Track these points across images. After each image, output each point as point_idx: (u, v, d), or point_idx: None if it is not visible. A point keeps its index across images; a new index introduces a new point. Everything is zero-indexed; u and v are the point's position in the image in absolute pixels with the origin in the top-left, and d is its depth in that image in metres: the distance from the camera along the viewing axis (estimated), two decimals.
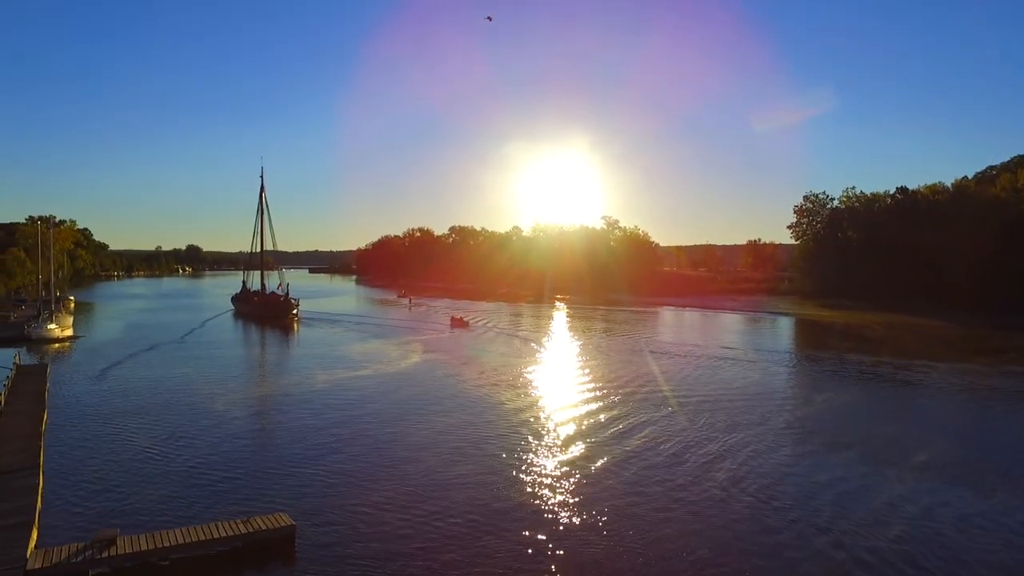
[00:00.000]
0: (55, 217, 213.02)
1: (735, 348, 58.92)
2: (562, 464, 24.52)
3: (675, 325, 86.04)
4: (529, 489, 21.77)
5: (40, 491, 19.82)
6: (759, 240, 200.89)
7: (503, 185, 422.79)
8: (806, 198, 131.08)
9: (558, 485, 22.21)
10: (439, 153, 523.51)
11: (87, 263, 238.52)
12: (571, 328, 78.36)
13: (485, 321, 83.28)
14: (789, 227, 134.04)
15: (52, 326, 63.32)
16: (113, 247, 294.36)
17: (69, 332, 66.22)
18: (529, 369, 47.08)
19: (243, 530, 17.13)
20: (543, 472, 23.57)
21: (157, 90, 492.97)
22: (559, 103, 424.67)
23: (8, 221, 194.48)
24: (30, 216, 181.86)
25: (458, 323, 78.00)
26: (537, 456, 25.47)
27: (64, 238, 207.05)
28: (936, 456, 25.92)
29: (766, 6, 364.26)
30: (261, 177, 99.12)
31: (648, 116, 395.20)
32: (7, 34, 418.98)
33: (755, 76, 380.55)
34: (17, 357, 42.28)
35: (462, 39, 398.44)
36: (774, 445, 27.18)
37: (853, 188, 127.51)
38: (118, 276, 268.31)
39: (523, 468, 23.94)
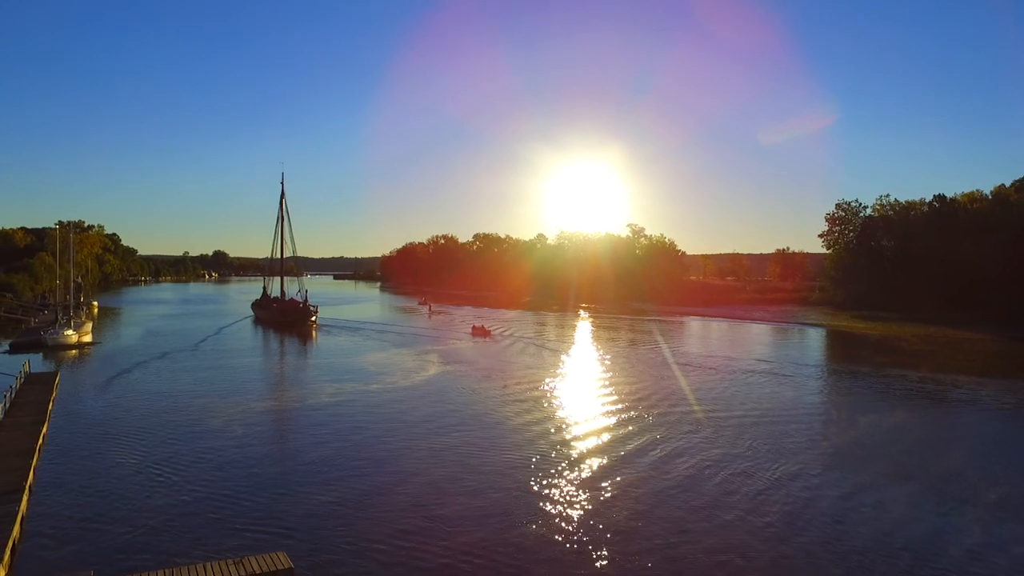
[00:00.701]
0: (84, 222, 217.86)
1: (767, 361, 56.20)
2: (586, 493, 22.35)
3: (702, 336, 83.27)
4: (547, 523, 19.64)
5: (19, 520, 18.21)
6: (788, 249, 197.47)
7: (527, 193, 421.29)
8: (838, 206, 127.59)
9: (580, 517, 20.04)
10: (464, 160, 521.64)
11: (115, 268, 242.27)
12: (596, 338, 76.02)
13: (508, 330, 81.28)
14: (820, 236, 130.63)
15: (69, 332, 62.59)
16: (141, 252, 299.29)
17: (88, 338, 65.48)
18: (552, 383, 44.96)
19: (234, 572, 15.27)
20: (563, 501, 21.45)
21: (186, 96, 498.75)
22: (583, 110, 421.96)
23: (40, 226, 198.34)
24: (59, 221, 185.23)
25: (480, 332, 75.99)
26: (558, 486, 23.31)
27: (92, 243, 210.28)
28: (1010, 492, 23.21)
29: (789, 12, 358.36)
30: (281, 184, 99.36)
31: (673, 123, 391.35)
32: (41, 41, 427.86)
33: (781, 82, 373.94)
34: (26, 365, 41.16)
35: (486, 47, 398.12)
36: (825, 476, 24.70)
37: (887, 196, 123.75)
38: (145, 281, 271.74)
39: (542, 500, 21.83)
